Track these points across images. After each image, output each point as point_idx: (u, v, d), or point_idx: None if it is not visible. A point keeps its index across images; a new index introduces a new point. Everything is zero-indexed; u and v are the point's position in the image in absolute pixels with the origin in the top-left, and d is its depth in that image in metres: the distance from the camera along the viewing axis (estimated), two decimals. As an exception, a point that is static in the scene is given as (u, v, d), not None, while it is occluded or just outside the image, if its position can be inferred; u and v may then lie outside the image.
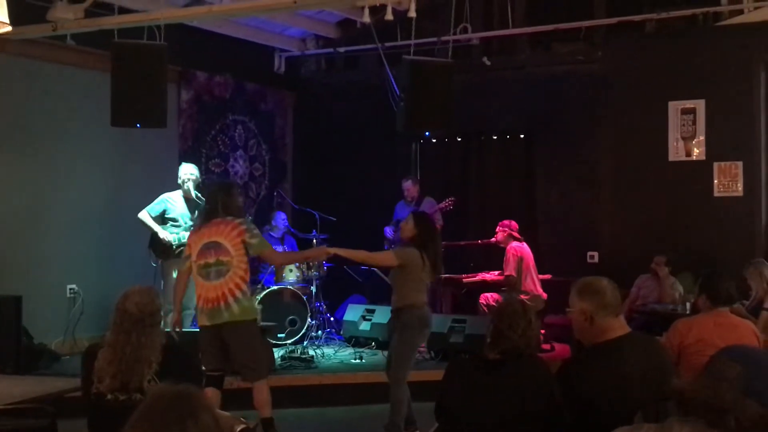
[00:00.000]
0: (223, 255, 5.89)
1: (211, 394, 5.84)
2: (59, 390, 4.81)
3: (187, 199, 8.31)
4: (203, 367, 5.96)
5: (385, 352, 8.24)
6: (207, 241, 5.94)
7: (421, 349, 8.42)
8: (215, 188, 6.39)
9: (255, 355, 5.99)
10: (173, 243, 8.14)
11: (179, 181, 8.31)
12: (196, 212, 8.30)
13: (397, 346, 6.18)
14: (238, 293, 5.87)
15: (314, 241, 9.33)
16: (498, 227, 8.99)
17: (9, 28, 4.09)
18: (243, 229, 5.92)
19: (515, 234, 8.91)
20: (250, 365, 5.94)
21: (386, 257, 6.20)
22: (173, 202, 8.26)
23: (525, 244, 8.87)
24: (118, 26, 7.49)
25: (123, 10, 7.94)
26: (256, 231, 6.06)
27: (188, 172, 8.33)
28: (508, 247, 8.81)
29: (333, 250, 6.18)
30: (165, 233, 8.13)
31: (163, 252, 8.18)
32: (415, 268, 6.00)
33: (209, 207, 6.14)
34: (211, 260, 5.90)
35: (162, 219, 8.21)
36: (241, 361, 5.94)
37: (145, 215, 8.17)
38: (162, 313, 4.09)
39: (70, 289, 8.65)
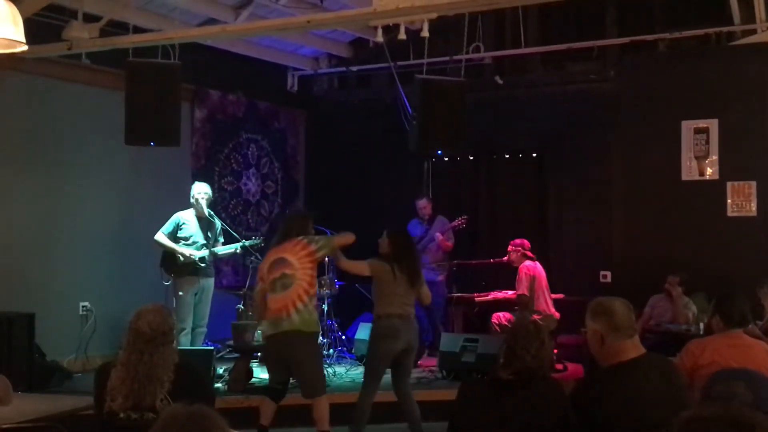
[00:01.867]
0: (287, 269, 6.20)
1: (267, 405, 6.25)
2: (71, 408, 4.81)
3: (200, 217, 8.34)
4: (269, 379, 6.42)
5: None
6: (274, 258, 6.28)
7: (433, 368, 8.43)
8: (293, 216, 6.85)
9: (312, 368, 6.28)
10: (195, 258, 8.18)
11: (192, 200, 8.34)
12: (209, 232, 8.35)
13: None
14: (299, 304, 6.14)
15: (326, 259, 9.31)
16: (510, 246, 8.97)
17: (25, 47, 4.12)
18: (306, 242, 6.27)
19: (528, 253, 8.89)
20: (307, 380, 6.24)
21: (360, 266, 6.52)
22: (186, 221, 8.29)
23: (538, 264, 8.86)
24: (133, 45, 7.55)
25: (137, 30, 8.00)
26: (316, 236, 6.43)
27: (201, 191, 8.37)
28: (520, 266, 8.79)
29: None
30: (187, 250, 8.17)
31: (176, 270, 8.21)
32: (384, 280, 6.35)
33: (284, 231, 6.44)
34: (278, 275, 6.21)
35: (174, 238, 8.24)
36: (298, 374, 6.28)
37: (161, 237, 8.22)
38: (174, 332, 4.09)
39: (83, 306, 8.67)
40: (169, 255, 8.24)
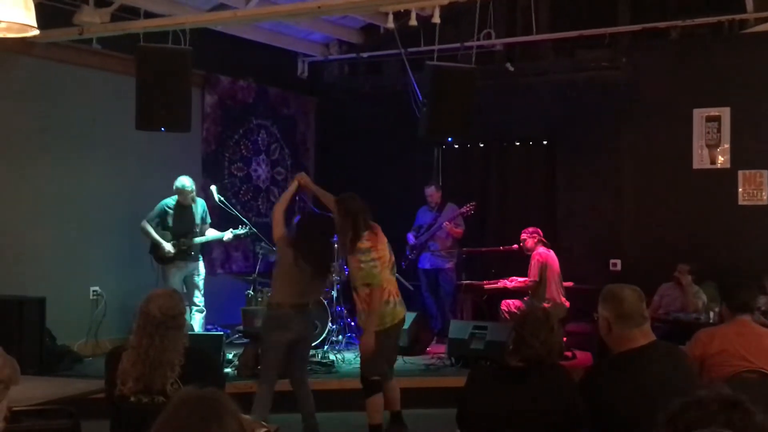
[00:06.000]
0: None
1: (380, 399, 6.07)
2: (82, 391, 4.84)
3: (184, 206, 8.38)
4: (373, 371, 6.08)
5: (405, 358, 8.27)
6: (385, 240, 6.23)
7: (442, 355, 8.44)
8: (358, 200, 6.23)
9: None
10: (172, 253, 8.25)
11: (179, 192, 8.38)
12: (194, 220, 8.42)
13: None
14: None
15: (335, 245, 9.33)
16: (524, 233, 8.94)
17: (37, 32, 4.11)
18: None
19: (543, 240, 8.90)
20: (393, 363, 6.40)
21: (279, 227, 6.21)
22: (170, 210, 8.37)
23: (551, 251, 8.85)
24: (144, 30, 7.56)
25: (148, 15, 8.00)
26: None
27: (186, 184, 8.38)
28: (534, 253, 8.79)
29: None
30: (167, 245, 8.26)
31: (163, 257, 8.30)
32: (283, 260, 6.14)
33: (366, 212, 6.15)
34: (393, 259, 6.29)
35: (162, 226, 8.31)
36: (392, 358, 6.37)
37: (146, 225, 8.32)
38: (185, 317, 4.10)
39: (93, 291, 8.71)
40: (155, 243, 8.32)
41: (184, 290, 8.34)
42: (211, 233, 8.60)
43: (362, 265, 5.95)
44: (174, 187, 8.39)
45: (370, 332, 5.95)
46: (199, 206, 8.57)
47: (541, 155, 10.49)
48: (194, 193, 8.48)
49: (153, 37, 7.59)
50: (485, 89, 8.85)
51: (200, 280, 8.56)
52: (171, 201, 8.40)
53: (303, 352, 6.30)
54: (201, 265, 8.63)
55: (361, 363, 6.21)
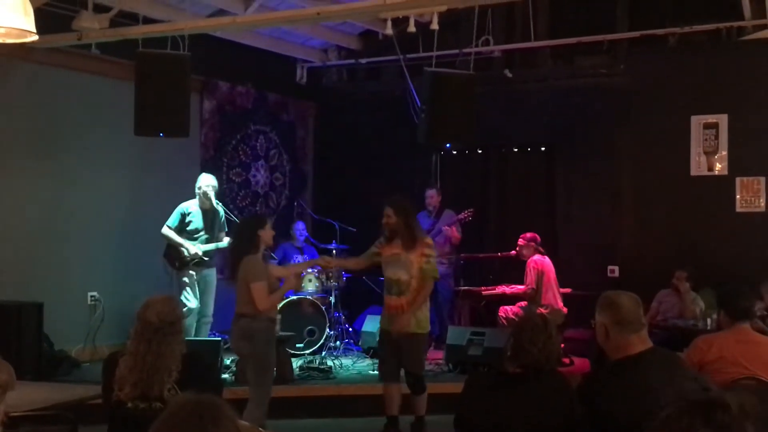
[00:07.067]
0: None
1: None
2: (80, 397, 4.83)
3: (205, 209, 8.35)
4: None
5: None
6: None
7: (440, 361, 8.44)
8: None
9: None
10: (200, 253, 8.20)
11: (198, 192, 8.32)
12: (213, 224, 8.37)
13: None
14: None
15: (333, 251, 9.34)
16: (520, 240, 8.94)
17: (35, 37, 4.12)
18: None
19: (540, 248, 8.89)
20: None
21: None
22: (191, 213, 8.31)
23: (547, 258, 8.85)
24: (143, 36, 7.56)
25: (147, 20, 8.01)
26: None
27: (209, 182, 8.36)
28: (528, 260, 8.79)
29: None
30: (192, 246, 8.19)
31: (178, 261, 8.24)
32: None
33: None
34: None
35: (180, 230, 8.26)
36: None
37: (168, 231, 8.23)
38: (182, 323, 4.10)
39: (91, 296, 8.70)
40: (172, 247, 8.27)
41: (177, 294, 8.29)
42: (226, 240, 8.56)
43: (431, 260, 6.18)
44: (197, 187, 8.33)
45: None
46: (221, 212, 8.53)
47: (539, 161, 10.50)
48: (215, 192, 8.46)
49: (152, 43, 7.59)
50: (484, 95, 8.85)
51: (213, 287, 8.46)
52: (189, 206, 8.35)
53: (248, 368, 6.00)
54: (214, 271, 8.55)
55: (419, 365, 6.39)
